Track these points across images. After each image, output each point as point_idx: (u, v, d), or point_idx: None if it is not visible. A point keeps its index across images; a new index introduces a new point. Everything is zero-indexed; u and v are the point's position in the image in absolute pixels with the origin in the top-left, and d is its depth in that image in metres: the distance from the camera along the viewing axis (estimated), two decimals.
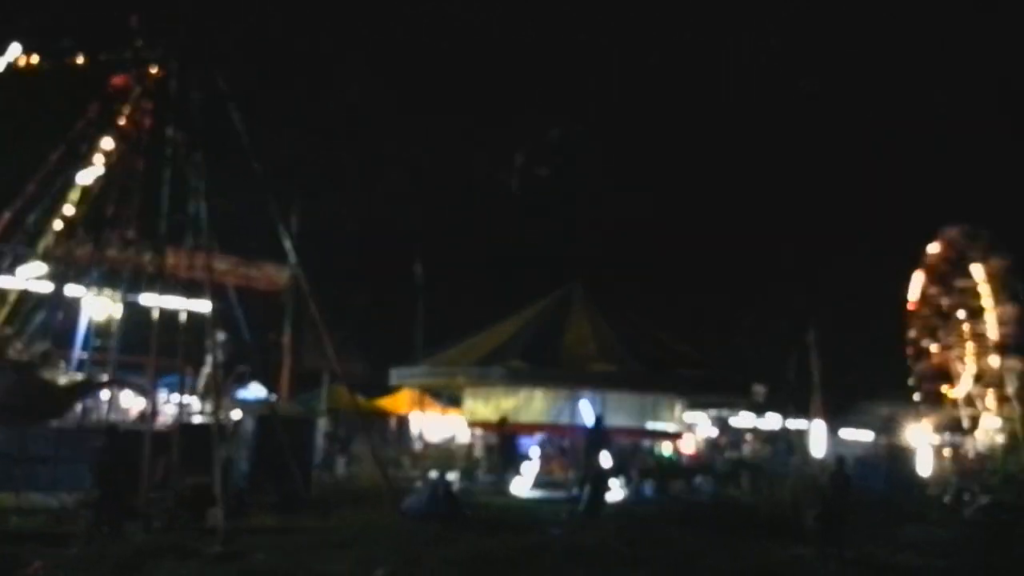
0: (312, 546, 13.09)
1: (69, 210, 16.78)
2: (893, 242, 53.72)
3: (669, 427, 25.49)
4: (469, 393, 25.80)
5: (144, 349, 17.05)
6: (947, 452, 40.61)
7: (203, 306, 16.51)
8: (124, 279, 19.04)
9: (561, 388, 23.55)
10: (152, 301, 17.00)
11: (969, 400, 44.51)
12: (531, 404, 24.48)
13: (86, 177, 16.51)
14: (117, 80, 16.19)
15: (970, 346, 44.82)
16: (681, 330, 30.12)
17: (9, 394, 16.10)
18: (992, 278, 43.42)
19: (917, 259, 46.18)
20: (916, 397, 45.87)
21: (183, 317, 16.45)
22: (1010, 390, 39.67)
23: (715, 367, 25.31)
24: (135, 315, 19.46)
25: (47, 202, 16.08)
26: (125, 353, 19.63)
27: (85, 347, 19.77)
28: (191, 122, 16.28)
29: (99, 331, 19.57)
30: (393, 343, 30.92)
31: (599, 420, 21.10)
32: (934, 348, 45.81)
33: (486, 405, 25.05)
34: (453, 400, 29.77)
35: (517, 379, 23.22)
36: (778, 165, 62.76)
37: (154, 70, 16.30)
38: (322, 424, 25.32)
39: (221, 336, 20.10)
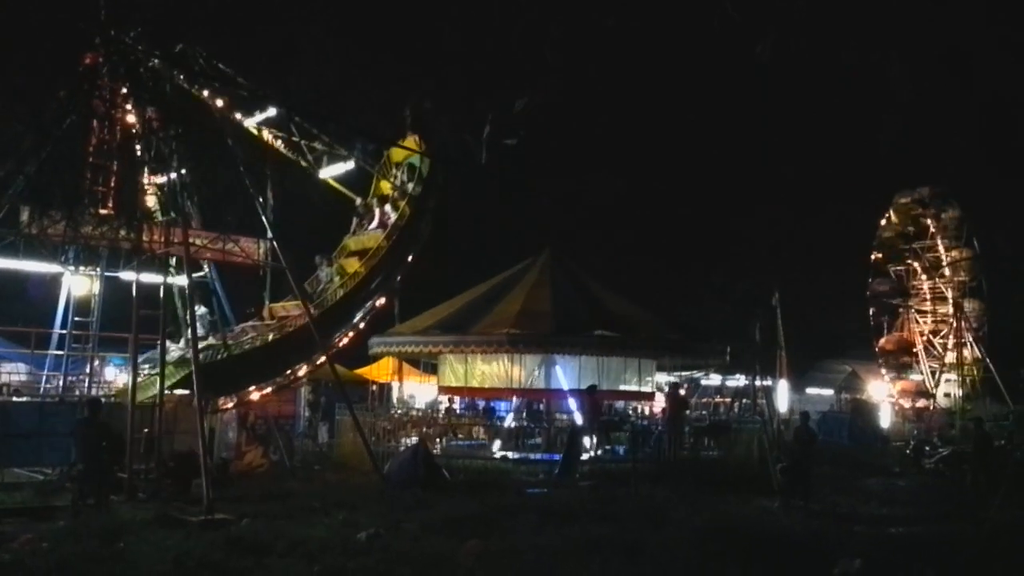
0: (296, 512, 13.43)
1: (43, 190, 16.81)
2: (855, 206, 54.60)
3: (641, 388, 26.06)
4: (446, 360, 26.13)
5: (124, 324, 17.26)
6: (907, 405, 41.61)
7: (182, 281, 16.72)
8: (101, 256, 19.20)
9: (632, 356, 24.29)
10: (130, 277, 17.16)
11: (927, 351, 45.37)
12: (511, 369, 24.88)
13: (60, 156, 16.51)
14: (87, 59, 16.16)
15: (928, 306, 45.67)
16: (649, 295, 30.84)
17: None
18: (947, 228, 44.04)
19: (877, 226, 46.76)
20: (880, 361, 46.67)
21: (162, 292, 16.68)
22: (967, 354, 40.53)
23: (685, 330, 25.87)
24: (115, 291, 19.64)
25: (20, 183, 16.09)
26: (105, 329, 19.81)
27: (65, 324, 19.90)
28: (164, 98, 16.33)
29: (79, 308, 19.68)
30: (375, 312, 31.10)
31: (593, 387, 22.05)
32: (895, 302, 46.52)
33: (464, 371, 25.39)
34: (430, 368, 30.20)
35: (610, 348, 23.40)
36: (741, 130, 63.51)
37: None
38: (304, 393, 25.66)
39: (201, 310, 20.33)
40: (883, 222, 46.00)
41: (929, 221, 44.67)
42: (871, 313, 46.49)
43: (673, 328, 24.96)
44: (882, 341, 45.87)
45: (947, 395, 41.44)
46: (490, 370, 24.26)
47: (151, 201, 17.85)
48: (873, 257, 46.31)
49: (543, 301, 24.48)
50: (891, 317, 46.22)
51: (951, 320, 42.02)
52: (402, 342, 24.94)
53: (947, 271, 43.88)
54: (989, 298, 42.76)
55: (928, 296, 45.43)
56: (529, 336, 22.69)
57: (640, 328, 23.90)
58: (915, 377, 44.49)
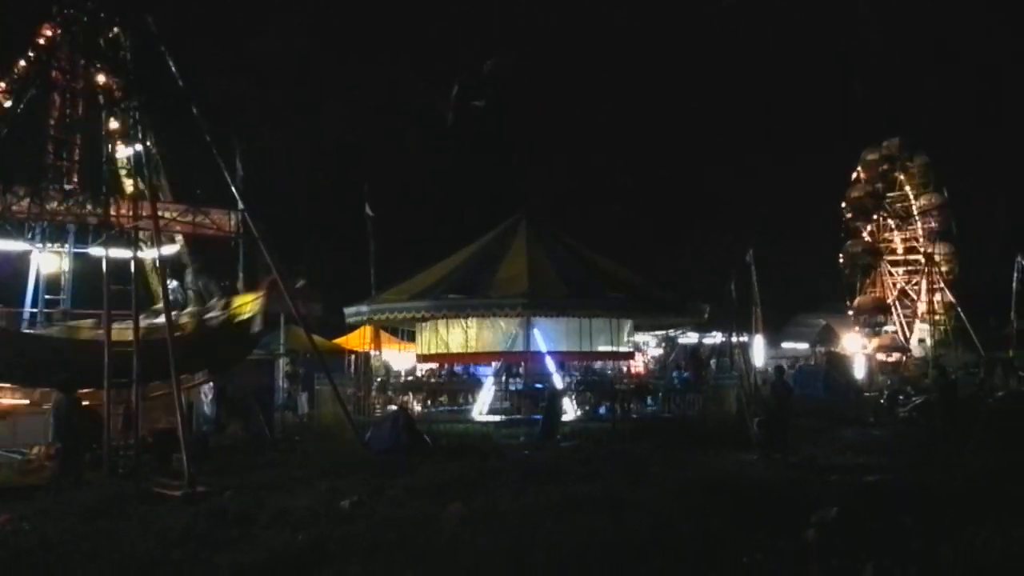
0: (278, 483, 13.35)
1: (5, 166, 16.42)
2: (826, 161, 54.91)
3: (618, 349, 26.19)
4: (421, 328, 26.12)
5: (95, 301, 17.01)
6: (883, 358, 42.19)
7: (152, 254, 16.49)
8: (69, 232, 18.87)
9: (491, 317, 24.11)
10: (100, 252, 16.89)
11: (900, 302, 45.95)
12: (486, 334, 24.93)
13: (21, 132, 16.14)
14: (44, 31, 15.71)
15: (900, 250, 46.19)
16: (625, 253, 31.01)
17: None
18: (915, 175, 44.40)
19: (847, 179, 47.05)
20: (850, 313, 47.23)
21: (132, 267, 16.40)
22: (939, 281, 41.11)
23: (658, 288, 25.96)
24: (85, 267, 19.35)
25: None
26: (77, 306, 19.55)
27: (35, 302, 19.62)
28: (125, 69, 15.91)
29: (49, 285, 19.39)
30: (351, 281, 31.05)
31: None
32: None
33: (438, 338, 25.40)
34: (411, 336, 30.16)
35: (445, 310, 23.77)
36: (713, 86, 63.58)
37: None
38: (282, 365, 25.55)
39: (173, 284, 20.09)
40: (852, 179, 46.32)
41: (898, 174, 44.99)
42: (845, 274, 47.00)
43: (635, 288, 24.86)
44: (857, 301, 46.37)
45: (921, 340, 42.11)
46: (469, 335, 24.28)
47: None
48: (844, 219, 46.71)
49: (444, 270, 24.78)
50: (864, 276, 46.75)
51: (923, 267, 42.57)
52: (367, 311, 25.25)
53: (917, 219, 44.40)
54: (959, 241, 43.32)
55: (900, 248, 45.97)
56: (385, 304, 23.66)
57: (587, 289, 23.86)
58: (889, 329, 45.10)
